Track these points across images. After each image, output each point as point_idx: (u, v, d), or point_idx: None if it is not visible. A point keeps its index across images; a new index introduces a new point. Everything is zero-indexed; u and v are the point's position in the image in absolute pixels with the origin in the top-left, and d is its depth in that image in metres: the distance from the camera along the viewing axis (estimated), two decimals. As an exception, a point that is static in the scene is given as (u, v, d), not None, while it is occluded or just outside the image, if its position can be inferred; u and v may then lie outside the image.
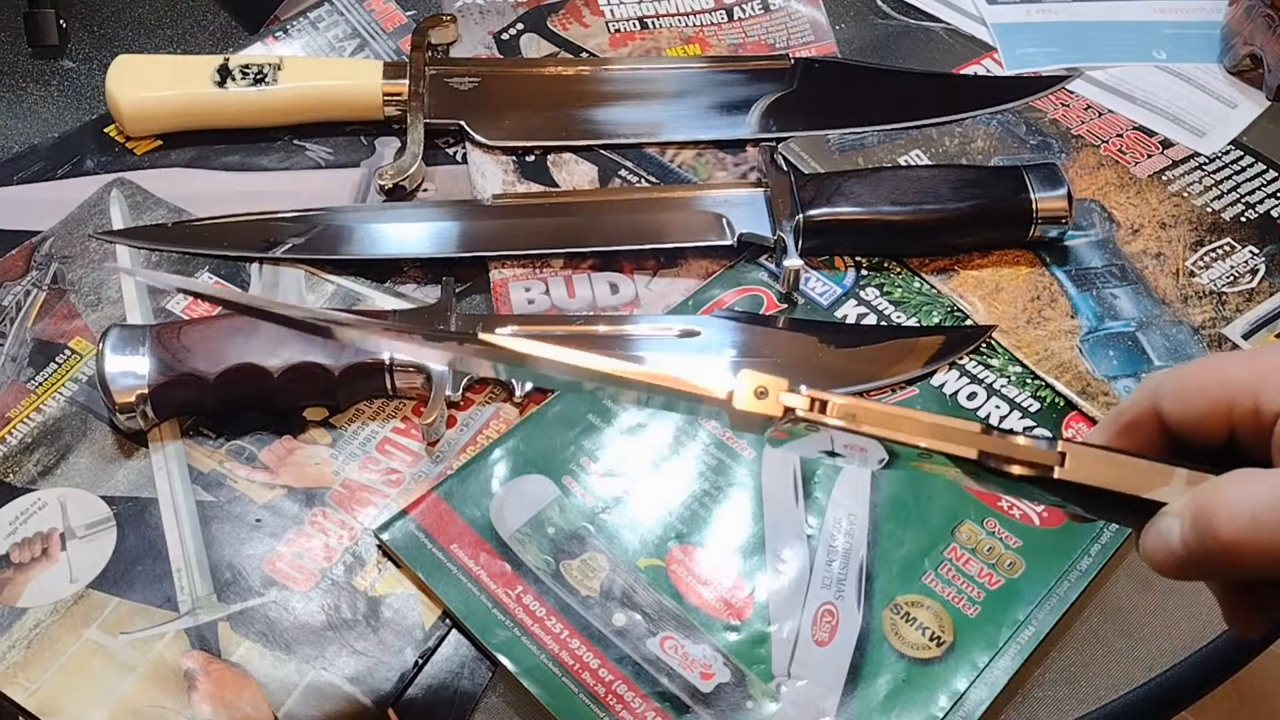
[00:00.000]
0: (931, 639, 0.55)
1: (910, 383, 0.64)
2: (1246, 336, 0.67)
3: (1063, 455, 0.38)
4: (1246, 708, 1.30)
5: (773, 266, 0.69)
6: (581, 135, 0.76)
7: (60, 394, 0.63)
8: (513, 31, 0.83)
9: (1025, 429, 0.62)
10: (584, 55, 0.81)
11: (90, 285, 0.67)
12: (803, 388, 0.40)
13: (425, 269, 0.69)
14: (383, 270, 0.69)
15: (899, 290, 0.68)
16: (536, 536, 0.57)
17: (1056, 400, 0.64)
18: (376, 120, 0.76)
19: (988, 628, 0.55)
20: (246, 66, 0.74)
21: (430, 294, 0.68)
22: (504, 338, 0.42)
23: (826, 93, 0.78)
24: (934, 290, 0.69)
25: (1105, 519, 0.48)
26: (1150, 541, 0.37)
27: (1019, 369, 0.65)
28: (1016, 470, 0.38)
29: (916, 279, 0.69)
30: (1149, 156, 0.76)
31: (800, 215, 0.68)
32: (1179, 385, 0.38)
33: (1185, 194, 0.74)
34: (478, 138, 0.75)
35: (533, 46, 0.82)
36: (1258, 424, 0.36)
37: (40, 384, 0.63)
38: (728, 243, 0.69)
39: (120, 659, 0.54)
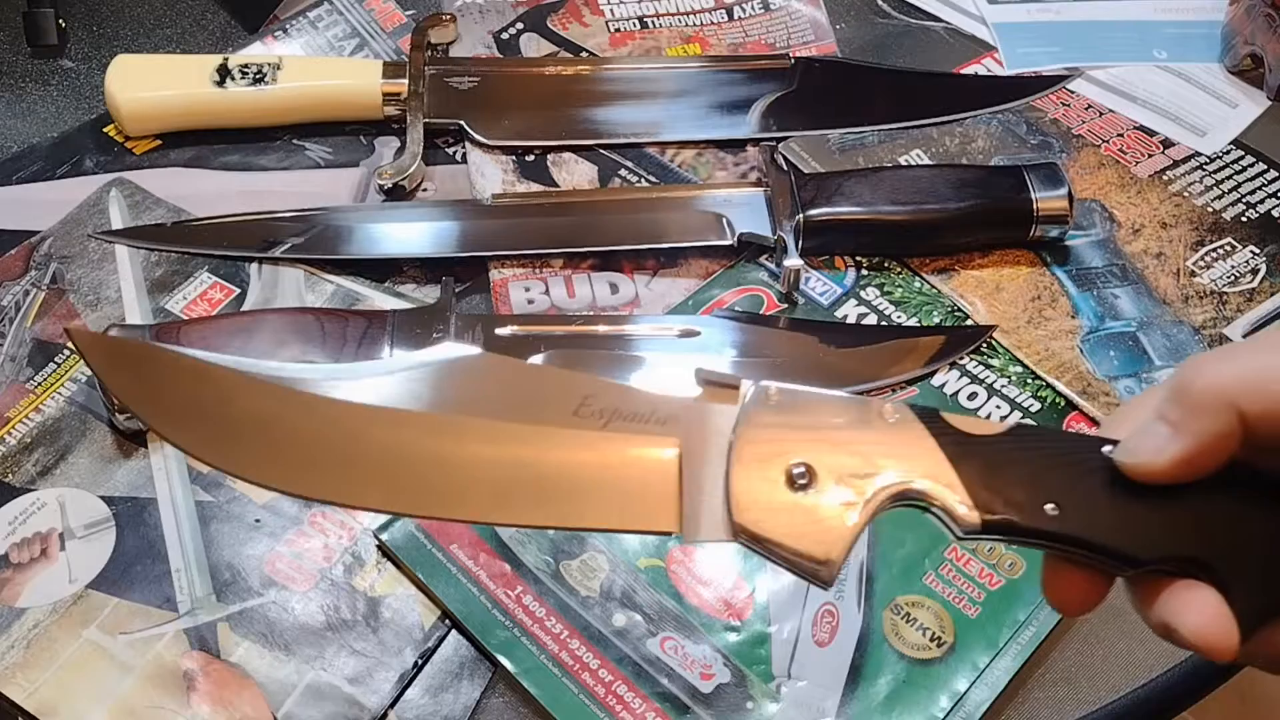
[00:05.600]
0: (932, 639, 0.55)
1: (911, 383, 0.64)
2: (1247, 336, 0.67)
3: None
4: (1247, 708, 1.30)
5: (773, 266, 0.69)
6: (581, 135, 0.76)
7: (59, 394, 0.63)
8: (512, 31, 0.82)
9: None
10: (584, 55, 0.81)
11: (89, 285, 0.67)
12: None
13: (425, 269, 0.69)
14: (382, 270, 0.69)
15: (899, 290, 0.68)
16: (536, 536, 0.57)
17: (1057, 400, 0.64)
18: (376, 120, 0.76)
19: (988, 628, 0.55)
20: (246, 66, 0.74)
21: (430, 294, 0.68)
22: None
23: (827, 92, 0.78)
24: (934, 290, 0.68)
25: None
26: (1135, 445, 0.38)
27: (1020, 369, 0.65)
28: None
29: (917, 279, 0.69)
30: (1150, 156, 0.76)
31: (800, 215, 0.68)
32: (1260, 389, 0.36)
33: (1186, 194, 0.74)
34: (477, 137, 0.75)
35: (532, 46, 0.82)
36: None
37: (39, 384, 0.63)
38: (728, 242, 0.69)
39: (119, 659, 0.54)
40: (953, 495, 0.39)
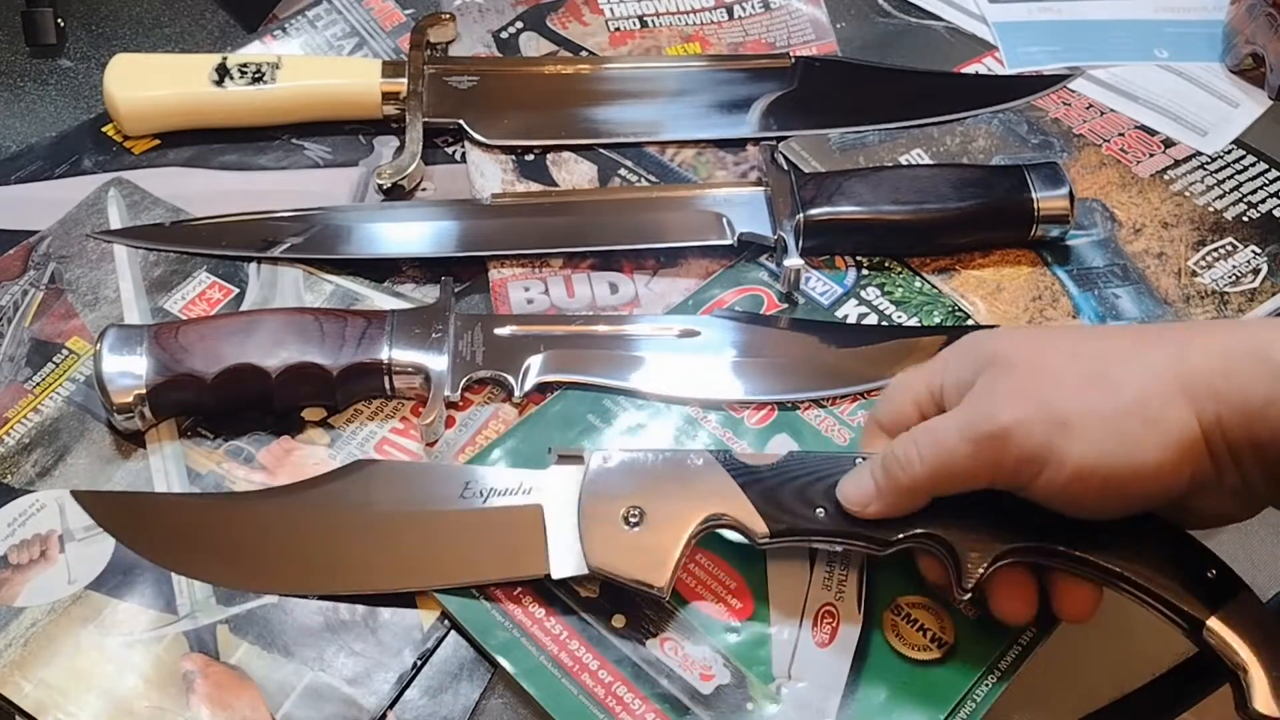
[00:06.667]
0: (932, 640, 0.55)
1: (911, 383, 0.64)
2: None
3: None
4: (1247, 707, 1.28)
5: (773, 266, 0.69)
6: (581, 134, 0.75)
7: (58, 394, 0.63)
8: (512, 30, 0.82)
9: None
10: (583, 54, 0.81)
11: (88, 285, 0.67)
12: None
13: (424, 268, 0.69)
14: (381, 270, 0.69)
15: (900, 290, 0.68)
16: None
17: (1058, 400, 0.64)
18: (375, 119, 0.76)
19: (989, 628, 0.55)
20: (245, 65, 0.74)
21: (429, 293, 0.68)
22: None
23: (827, 91, 0.78)
24: (935, 290, 0.68)
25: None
26: (849, 493, 0.51)
27: (1020, 369, 0.65)
28: None
29: (917, 279, 0.69)
30: (1151, 156, 0.76)
31: (801, 214, 0.67)
32: (889, 413, 0.54)
33: (1187, 193, 0.74)
34: (477, 136, 0.74)
35: (532, 45, 0.82)
36: (936, 402, 0.52)
37: (38, 384, 0.63)
38: (728, 242, 0.69)
39: (118, 660, 0.54)
40: (747, 515, 0.52)
